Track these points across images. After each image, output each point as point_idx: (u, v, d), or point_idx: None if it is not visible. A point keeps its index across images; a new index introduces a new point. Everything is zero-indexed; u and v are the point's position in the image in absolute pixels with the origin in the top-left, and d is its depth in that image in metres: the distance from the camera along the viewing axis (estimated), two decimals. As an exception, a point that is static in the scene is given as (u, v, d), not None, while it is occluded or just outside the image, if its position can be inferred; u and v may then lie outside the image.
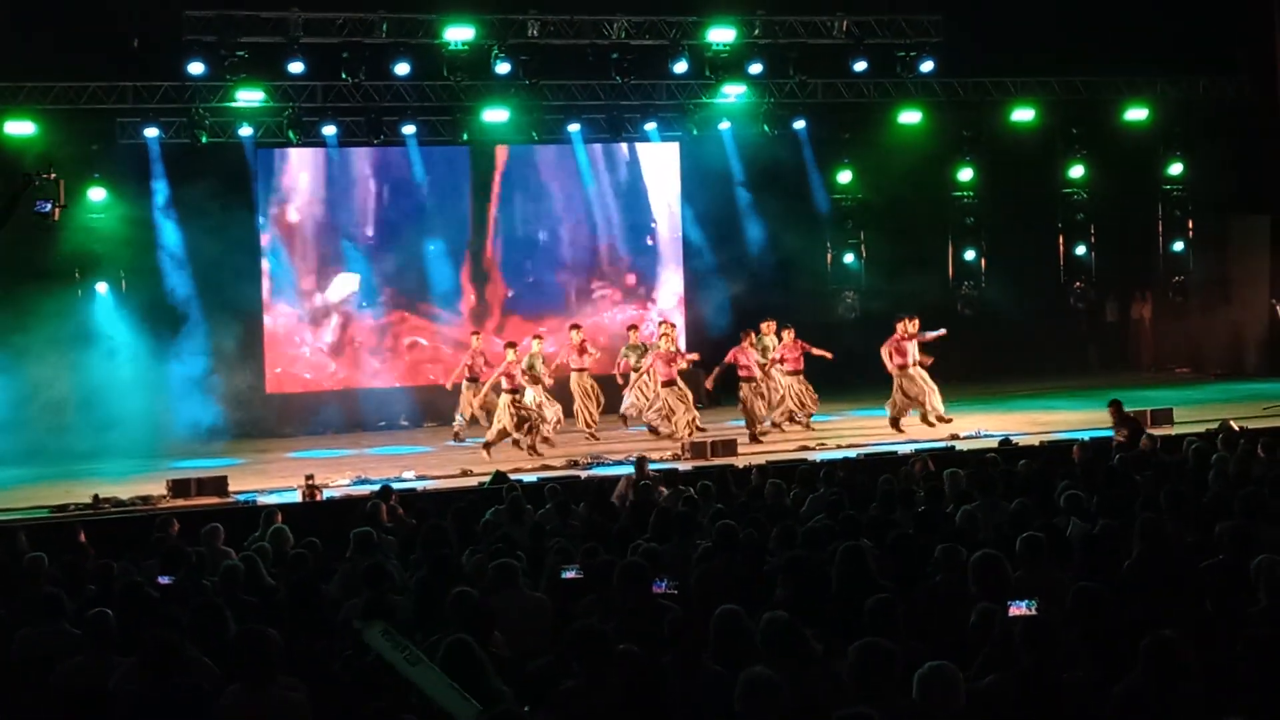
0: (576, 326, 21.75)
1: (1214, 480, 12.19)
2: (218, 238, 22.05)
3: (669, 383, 20.50)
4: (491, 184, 24.99)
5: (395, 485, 17.07)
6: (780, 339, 21.38)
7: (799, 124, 25.16)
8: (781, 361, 21.12)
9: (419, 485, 17.02)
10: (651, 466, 17.48)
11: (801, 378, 21.27)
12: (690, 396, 20.75)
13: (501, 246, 24.96)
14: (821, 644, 7.12)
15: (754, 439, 20.28)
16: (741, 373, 20.65)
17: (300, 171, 24.06)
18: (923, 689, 6.12)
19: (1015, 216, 26.70)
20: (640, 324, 23.50)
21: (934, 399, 20.50)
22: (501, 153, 25.01)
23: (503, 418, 19.78)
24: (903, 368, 20.52)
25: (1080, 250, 27.92)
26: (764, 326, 21.71)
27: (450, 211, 24.71)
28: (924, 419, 20.45)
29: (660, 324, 21.84)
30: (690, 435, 19.87)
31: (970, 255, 27.45)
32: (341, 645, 8.31)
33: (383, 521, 12.64)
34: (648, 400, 21.22)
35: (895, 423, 20.56)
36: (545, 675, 7.32)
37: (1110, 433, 18.31)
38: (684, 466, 17.28)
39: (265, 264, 23.78)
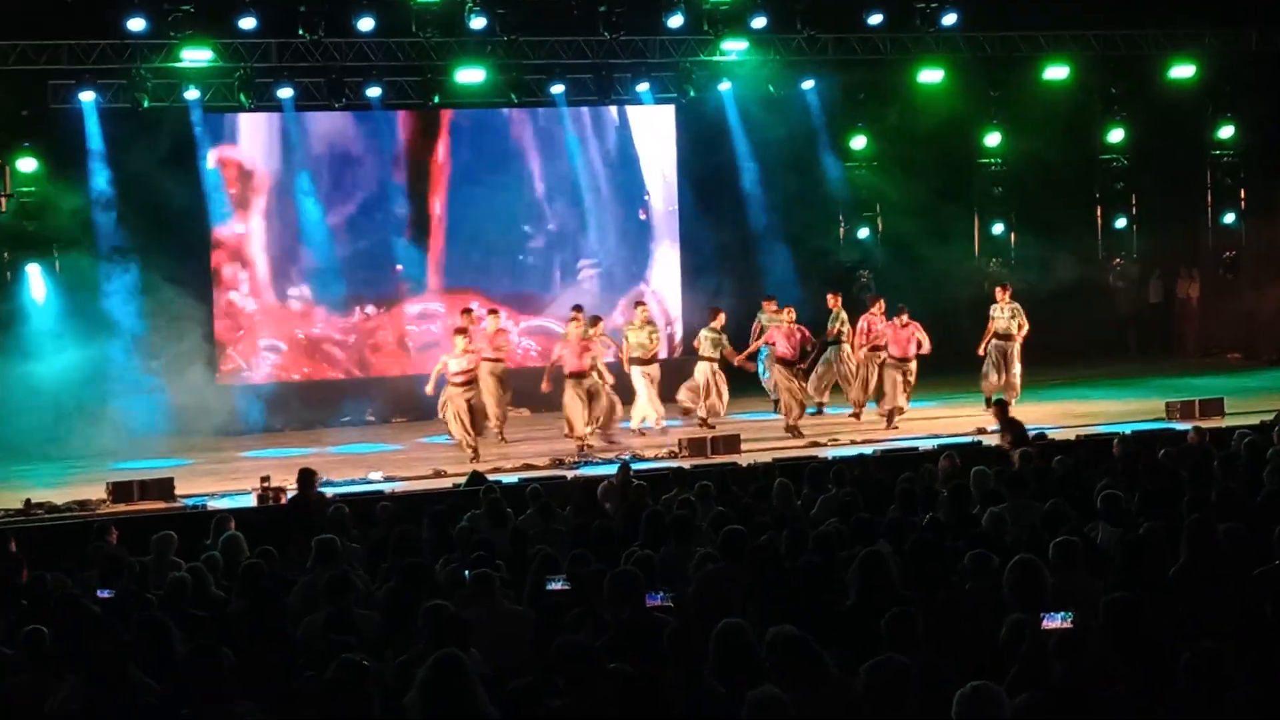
0: (494, 312, 21.59)
1: (1269, 477, 12.22)
2: (162, 212, 21.98)
3: (578, 375, 20.03)
4: (466, 152, 24.94)
5: (361, 487, 17.17)
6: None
7: (807, 84, 25.11)
8: (867, 336, 21.34)
9: (387, 487, 17.03)
10: (647, 465, 17.58)
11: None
12: (594, 396, 20.33)
13: (478, 220, 24.87)
14: (836, 661, 7.15)
15: (791, 430, 20.38)
16: (778, 353, 20.60)
17: (253, 139, 23.97)
18: (963, 710, 6.15)
19: (1048, 186, 26.67)
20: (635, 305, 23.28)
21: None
22: (477, 117, 24.96)
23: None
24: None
25: (1120, 223, 27.91)
26: (768, 306, 21.80)
27: (421, 182, 24.65)
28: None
29: (637, 305, 21.80)
30: (588, 436, 19.85)
31: (998, 229, 27.42)
32: (302, 662, 8.32)
33: (348, 527, 12.67)
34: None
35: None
36: (528, 697, 7.34)
37: (1162, 425, 18.42)
38: (684, 464, 17.34)
39: (215, 241, 23.73)
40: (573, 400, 19.85)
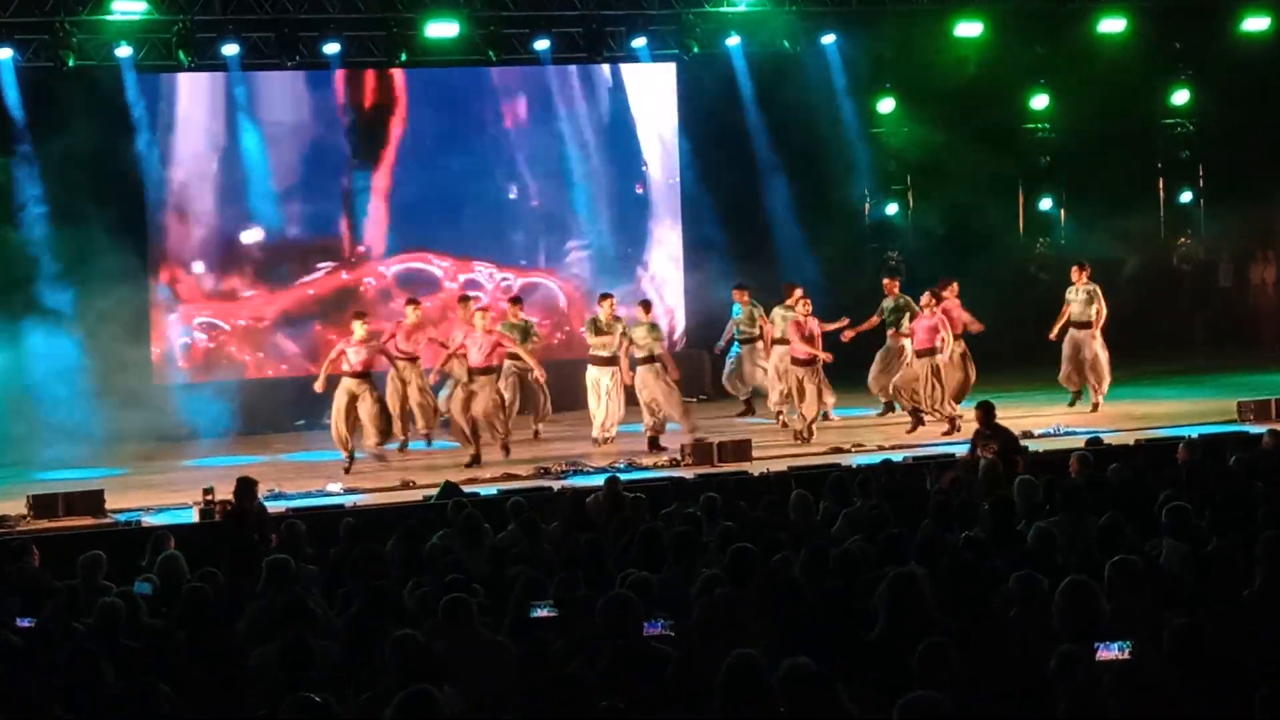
0: (414, 302, 21.41)
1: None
2: (90, 186, 21.96)
3: (486, 370, 19.95)
4: (437, 117, 24.93)
5: (318, 500, 17.16)
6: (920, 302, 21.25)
7: (828, 39, 25.13)
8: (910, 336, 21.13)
9: (348, 500, 17.04)
10: (645, 475, 17.62)
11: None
12: (507, 394, 20.55)
13: (450, 197, 24.88)
14: (862, 698, 7.15)
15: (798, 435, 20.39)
16: (797, 353, 20.47)
17: (194, 102, 23.97)
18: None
19: (1102, 155, 26.69)
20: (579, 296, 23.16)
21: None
22: (450, 77, 24.96)
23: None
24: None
25: (1185, 197, 27.94)
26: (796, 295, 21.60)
27: (384, 153, 24.66)
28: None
29: (602, 299, 21.37)
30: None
31: (1046, 204, 27.44)
32: (252, 700, 8.32)
33: (304, 546, 12.68)
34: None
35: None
36: (510, 739, 7.36)
37: (1233, 428, 18.42)
38: (687, 474, 17.38)
39: (150, 218, 23.71)
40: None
